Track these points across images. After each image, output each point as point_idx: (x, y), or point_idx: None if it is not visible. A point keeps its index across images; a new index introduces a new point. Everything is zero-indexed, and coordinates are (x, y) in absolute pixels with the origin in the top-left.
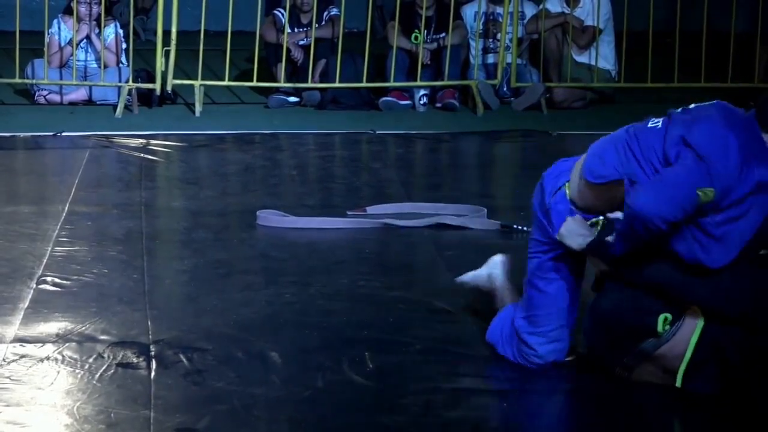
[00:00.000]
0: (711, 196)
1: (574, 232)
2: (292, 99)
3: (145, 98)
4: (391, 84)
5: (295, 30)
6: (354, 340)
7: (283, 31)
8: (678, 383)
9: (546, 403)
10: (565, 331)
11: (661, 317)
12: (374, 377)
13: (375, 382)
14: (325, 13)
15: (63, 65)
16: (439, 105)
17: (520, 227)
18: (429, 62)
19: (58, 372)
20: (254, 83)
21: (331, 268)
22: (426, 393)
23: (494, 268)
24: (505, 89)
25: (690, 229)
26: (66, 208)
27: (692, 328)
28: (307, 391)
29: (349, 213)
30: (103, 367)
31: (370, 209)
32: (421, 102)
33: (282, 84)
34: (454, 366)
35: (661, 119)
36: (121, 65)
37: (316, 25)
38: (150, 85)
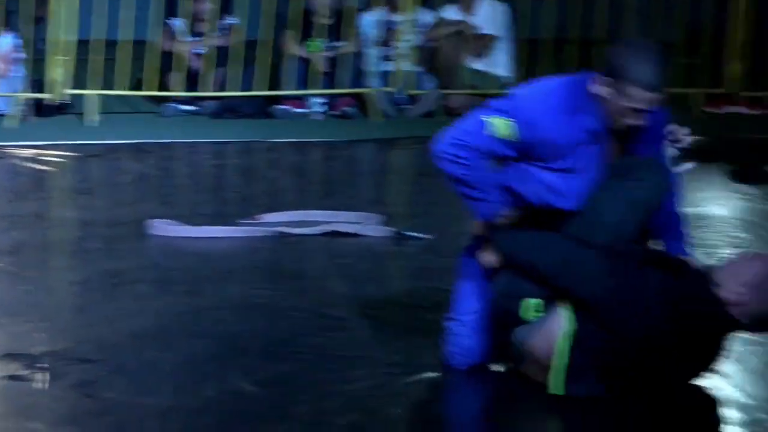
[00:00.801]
0: (509, 131)
1: None
2: (187, 108)
3: (40, 108)
4: (287, 92)
5: (192, 39)
6: (245, 349)
7: (178, 40)
8: (556, 390)
9: (441, 406)
10: (479, 322)
11: (526, 302)
12: (266, 386)
13: (266, 390)
14: (223, 22)
15: None
16: (335, 113)
17: (413, 234)
18: (326, 70)
19: None
20: (149, 92)
21: (224, 277)
22: (317, 400)
23: None
24: (401, 97)
25: (532, 172)
26: None
27: (558, 326)
28: (198, 401)
29: (242, 222)
30: None
31: (264, 218)
32: (317, 110)
33: (177, 93)
34: (345, 373)
35: None
36: (15, 75)
37: (213, 34)
38: (44, 95)
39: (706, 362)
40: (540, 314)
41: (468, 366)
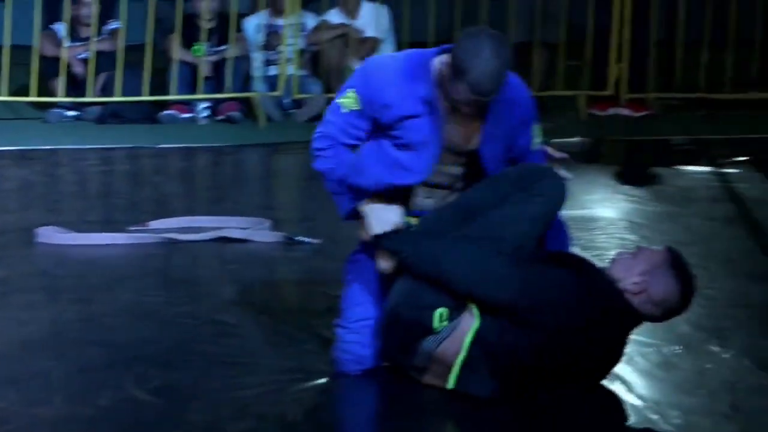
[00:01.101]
0: (354, 101)
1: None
2: (72, 113)
3: None
4: (173, 97)
5: (75, 44)
6: (138, 356)
7: (61, 45)
8: (450, 384)
9: (333, 411)
10: (370, 329)
11: (437, 313)
12: (159, 394)
13: (160, 398)
14: (105, 27)
15: None
16: (221, 117)
17: (303, 239)
18: (210, 75)
19: None
20: (32, 98)
21: (114, 284)
22: (211, 407)
23: None
24: (287, 101)
25: (382, 145)
26: None
27: (469, 326)
28: (90, 410)
29: (131, 228)
30: None
31: (153, 224)
32: (203, 115)
33: (61, 98)
34: (238, 379)
35: None
36: None
37: (96, 39)
38: None
39: (611, 360)
40: (446, 323)
41: (360, 372)
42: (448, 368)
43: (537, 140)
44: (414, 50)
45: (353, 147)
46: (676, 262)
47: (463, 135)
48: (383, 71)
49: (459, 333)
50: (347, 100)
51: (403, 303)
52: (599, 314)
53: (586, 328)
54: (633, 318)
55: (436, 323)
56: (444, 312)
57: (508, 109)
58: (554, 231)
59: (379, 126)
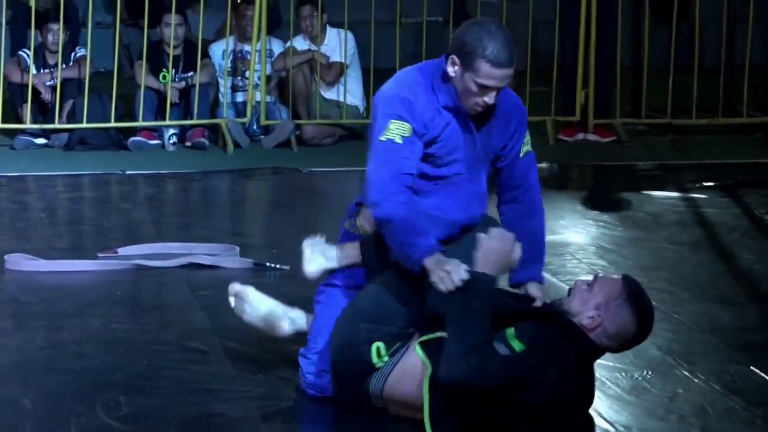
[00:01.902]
0: (402, 128)
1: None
2: (39, 141)
3: None
4: (140, 123)
5: (42, 71)
6: (108, 383)
7: (28, 72)
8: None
9: None
10: (326, 360)
11: (374, 347)
12: (129, 420)
13: (130, 425)
14: (72, 54)
15: None
16: (188, 144)
17: (272, 265)
18: (177, 101)
19: None
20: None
21: (83, 311)
22: None
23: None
24: (254, 127)
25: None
26: None
27: (417, 370)
28: None
29: (100, 255)
30: None
31: (122, 251)
32: (171, 141)
33: (28, 125)
34: (208, 406)
35: None
36: None
37: (63, 66)
38: None
39: (586, 395)
40: (386, 358)
41: (323, 397)
42: (405, 405)
43: (526, 148)
44: (423, 64)
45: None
46: (632, 294)
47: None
48: (410, 90)
49: (403, 372)
50: (395, 130)
51: (342, 342)
52: (565, 358)
53: (555, 375)
54: (593, 354)
55: (375, 359)
56: (381, 347)
57: (504, 119)
58: (533, 251)
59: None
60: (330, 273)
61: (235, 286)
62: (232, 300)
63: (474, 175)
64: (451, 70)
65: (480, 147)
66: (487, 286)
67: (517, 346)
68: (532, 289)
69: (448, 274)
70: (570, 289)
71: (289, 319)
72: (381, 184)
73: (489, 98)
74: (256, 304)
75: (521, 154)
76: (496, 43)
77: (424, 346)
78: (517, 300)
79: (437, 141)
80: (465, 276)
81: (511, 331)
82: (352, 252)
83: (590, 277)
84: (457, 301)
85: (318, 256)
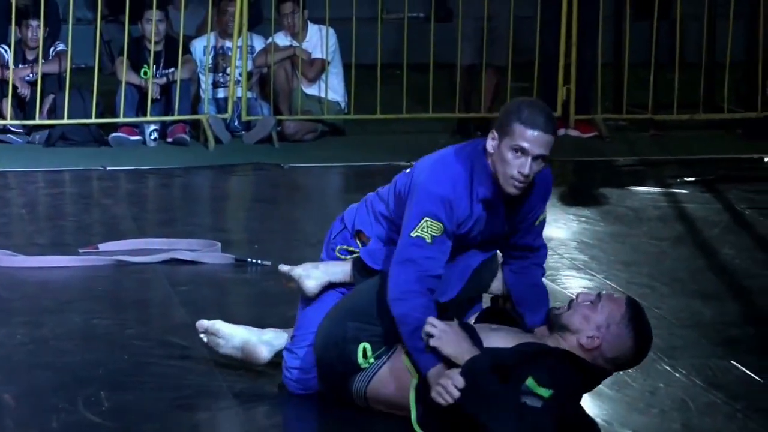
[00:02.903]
0: (435, 228)
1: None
2: (21, 140)
3: None
4: (121, 120)
5: (20, 66)
6: (89, 379)
7: (7, 67)
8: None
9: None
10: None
11: (360, 347)
12: (110, 416)
13: (111, 420)
14: (52, 49)
15: None
16: (170, 140)
17: (254, 260)
18: (159, 97)
19: None
20: None
21: (64, 307)
22: (162, 429)
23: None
24: (236, 123)
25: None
26: None
27: (402, 377)
28: None
29: (81, 251)
30: None
31: (103, 246)
32: (152, 137)
33: (9, 121)
34: (189, 401)
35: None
36: None
37: (43, 61)
38: None
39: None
40: (372, 360)
41: (306, 393)
42: (388, 405)
43: (542, 216)
44: (462, 146)
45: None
46: (635, 318)
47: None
48: (453, 189)
49: (387, 376)
50: (429, 229)
51: (329, 339)
52: (568, 390)
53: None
54: (594, 379)
55: (360, 359)
56: (368, 347)
57: (541, 199)
58: (534, 297)
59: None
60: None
61: (204, 323)
62: (203, 336)
63: (480, 251)
64: (490, 145)
65: (503, 228)
66: (481, 365)
67: (545, 393)
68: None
69: (444, 388)
70: (570, 302)
71: (264, 343)
72: (404, 284)
73: (524, 168)
74: (229, 336)
75: (537, 222)
76: (532, 109)
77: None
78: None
79: (462, 227)
80: (460, 383)
81: (531, 381)
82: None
83: (592, 291)
84: (473, 397)
85: (314, 271)
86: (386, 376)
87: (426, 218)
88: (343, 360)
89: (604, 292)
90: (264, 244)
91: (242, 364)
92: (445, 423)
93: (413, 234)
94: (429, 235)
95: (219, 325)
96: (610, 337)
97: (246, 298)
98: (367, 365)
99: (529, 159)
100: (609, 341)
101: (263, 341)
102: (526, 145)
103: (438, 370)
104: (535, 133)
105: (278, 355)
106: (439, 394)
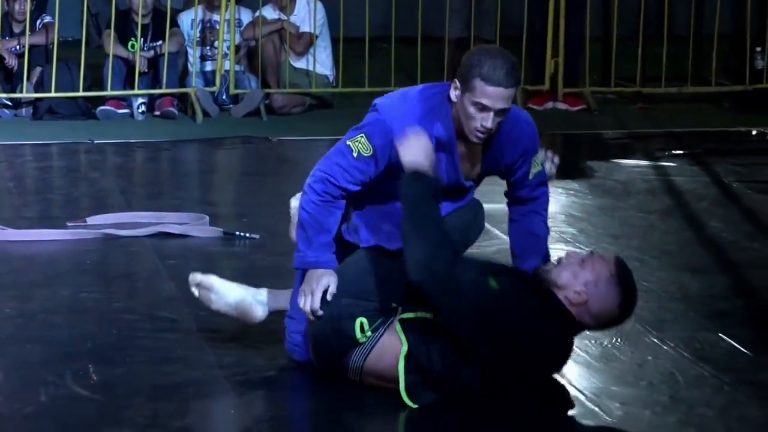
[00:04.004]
0: (366, 149)
1: None
2: (9, 113)
3: None
4: (109, 93)
5: (7, 38)
6: (77, 353)
7: None
8: (408, 403)
9: (273, 406)
10: None
11: (357, 322)
12: (99, 390)
13: (100, 394)
14: (38, 21)
15: None
16: (157, 113)
17: (242, 234)
18: (146, 70)
19: None
20: None
21: (52, 280)
22: (152, 403)
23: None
24: (224, 96)
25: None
26: None
27: (395, 347)
28: (30, 407)
29: (69, 224)
30: None
31: (91, 220)
32: (140, 110)
33: None
34: (179, 375)
35: None
36: None
37: (29, 33)
38: None
39: (554, 365)
40: (369, 333)
41: (307, 360)
42: (382, 379)
43: (535, 170)
44: (429, 86)
45: (348, 192)
46: (622, 277)
47: (467, 168)
48: (399, 118)
49: (384, 349)
50: (359, 145)
51: (323, 317)
52: (544, 331)
53: (530, 344)
54: (572, 329)
55: (358, 334)
56: (365, 322)
57: (511, 147)
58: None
59: (391, 166)
60: None
61: (197, 276)
62: (194, 290)
63: (449, 201)
64: (453, 95)
65: (458, 176)
66: (426, 185)
67: (492, 284)
68: None
69: (311, 295)
70: (559, 259)
71: (259, 303)
72: (312, 178)
73: (487, 122)
74: (224, 293)
75: (530, 176)
76: (493, 63)
77: (404, 324)
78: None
79: None
80: (318, 310)
81: (492, 277)
82: None
83: (583, 251)
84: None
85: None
86: (383, 347)
87: (363, 135)
88: (339, 336)
89: (594, 251)
90: (252, 217)
91: (230, 337)
92: (432, 392)
93: (347, 142)
94: (357, 151)
95: (213, 280)
96: (596, 294)
97: (234, 271)
98: (364, 339)
99: (491, 114)
100: (595, 297)
101: (258, 301)
102: (487, 101)
103: (314, 272)
104: (497, 89)
105: (253, 328)
106: (304, 294)
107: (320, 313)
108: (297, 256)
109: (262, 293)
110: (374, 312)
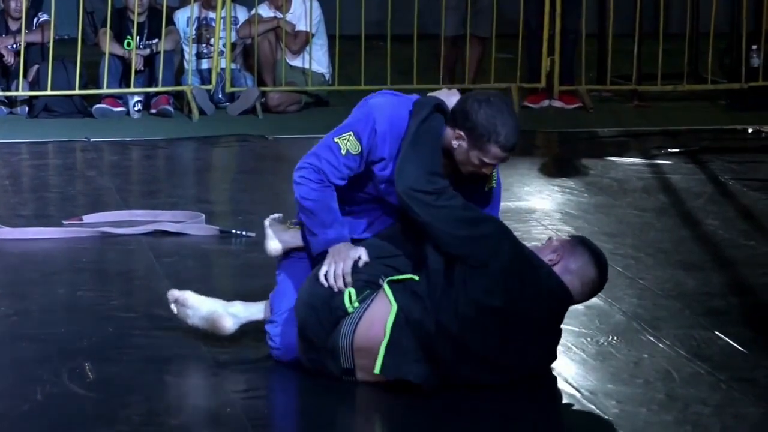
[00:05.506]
0: (354, 146)
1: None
2: (5, 110)
3: None
4: (105, 91)
5: (3, 36)
6: (73, 351)
7: None
8: (377, 369)
9: (269, 403)
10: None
11: (346, 292)
12: (95, 388)
13: (96, 392)
14: (35, 19)
15: None
16: (153, 111)
17: (238, 232)
18: (142, 68)
19: None
20: None
21: (48, 278)
22: (148, 400)
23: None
24: (220, 95)
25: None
26: None
27: (384, 312)
28: (26, 405)
29: (65, 222)
30: None
31: (87, 218)
32: (136, 108)
33: None
34: (175, 373)
35: None
36: None
37: (26, 31)
38: None
39: (545, 345)
40: (357, 304)
41: (293, 359)
42: (374, 359)
43: (490, 185)
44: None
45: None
46: (584, 241)
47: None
48: (389, 125)
49: (373, 316)
50: (347, 143)
51: (313, 299)
52: (539, 289)
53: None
54: (562, 290)
55: (347, 303)
56: (352, 291)
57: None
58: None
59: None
60: (292, 250)
61: (174, 293)
62: (173, 307)
63: None
64: (456, 143)
65: None
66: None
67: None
68: None
69: (342, 262)
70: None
71: (230, 315)
72: (304, 171)
73: (488, 170)
74: (197, 306)
75: (485, 188)
76: (509, 130)
77: (392, 285)
78: None
79: (385, 167)
80: (349, 275)
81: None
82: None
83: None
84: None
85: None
86: (371, 315)
87: (352, 133)
88: (330, 309)
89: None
90: (248, 215)
91: (226, 335)
92: (410, 358)
93: (336, 139)
94: (345, 148)
95: (187, 295)
96: (568, 254)
97: (230, 269)
98: (352, 309)
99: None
100: (568, 256)
101: (229, 312)
102: (498, 162)
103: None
104: (508, 154)
105: (246, 327)
106: (332, 265)
107: (349, 279)
108: (314, 241)
109: (235, 305)
110: (363, 282)
